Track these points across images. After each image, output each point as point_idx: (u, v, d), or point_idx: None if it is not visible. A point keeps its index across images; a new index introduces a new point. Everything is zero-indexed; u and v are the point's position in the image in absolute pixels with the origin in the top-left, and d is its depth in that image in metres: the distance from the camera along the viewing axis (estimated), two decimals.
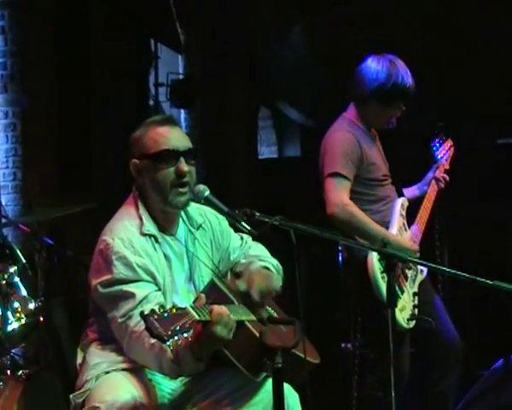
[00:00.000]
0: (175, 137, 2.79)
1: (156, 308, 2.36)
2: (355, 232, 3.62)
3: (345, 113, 3.85)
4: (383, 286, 3.51)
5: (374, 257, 3.57)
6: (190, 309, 2.39)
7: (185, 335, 2.40)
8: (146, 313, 2.34)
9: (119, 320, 2.65)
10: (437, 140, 4.14)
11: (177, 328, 2.33)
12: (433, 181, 4.01)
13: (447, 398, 3.83)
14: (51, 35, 5.99)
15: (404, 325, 3.60)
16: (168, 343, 2.37)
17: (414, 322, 3.62)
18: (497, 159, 6.25)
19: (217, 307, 2.50)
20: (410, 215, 3.88)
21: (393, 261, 2.74)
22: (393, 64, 3.71)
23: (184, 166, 2.76)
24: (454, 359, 3.78)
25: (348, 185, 3.67)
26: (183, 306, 2.40)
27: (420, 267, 3.78)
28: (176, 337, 2.35)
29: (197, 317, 2.40)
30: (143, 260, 2.71)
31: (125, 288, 2.66)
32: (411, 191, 4.02)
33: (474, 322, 5.56)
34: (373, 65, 3.73)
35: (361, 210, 3.69)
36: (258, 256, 3.00)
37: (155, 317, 2.32)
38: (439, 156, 4.11)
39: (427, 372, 3.78)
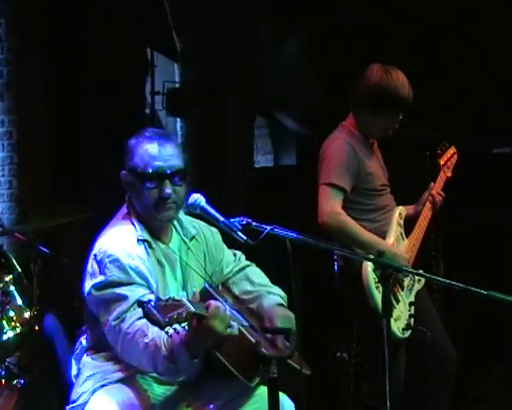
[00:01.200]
0: (163, 157, 2.79)
1: (153, 299, 2.39)
2: (347, 241, 3.63)
3: (344, 121, 3.85)
4: (378, 296, 3.53)
5: (368, 267, 3.58)
6: (186, 301, 2.43)
7: (182, 325, 2.42)
8: (143, 300, 2.36)
9: (112, 323, 2.66)
10: (438, 148, 4.12)
11: (175, 316, 2.38)
12: (429, 200, 3.97)
13: (439, 408, 3.84)
14: (47, 43, 5.99)
15: (399, 334, 3.60)
16: (166, 330, 2.38)
17: (409, 332, 3.62)
18: (492, 168, 6.26)
19: (214, 302, 2.52)
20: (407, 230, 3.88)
21: (388, 271, 2.75)
22: (388, 74, 3.71)
23: (168, 190, 2.77)
24: (448, 371, 3.79)
25: (342, 196, 3.67)
26: (178, 297, 2.43)
27: (417, 277, 3.78)
28: (173, 326, 2.38)
29: (193, 309, 2.42)
30: (136, 263, 2.73)
31: (118, 290, 2.68)
32: (406, 210, 3.98)
33: (469, 331, 5.55)
34: (368, 74, 3.74)
35: (359, 219, 3.70)
36: (265, 286, 3.01)
37: (152, 305, 2.37)
38: (442, 163, 4.08)
39: (421, 382, 3.79)
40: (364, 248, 3.60)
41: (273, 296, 2.96)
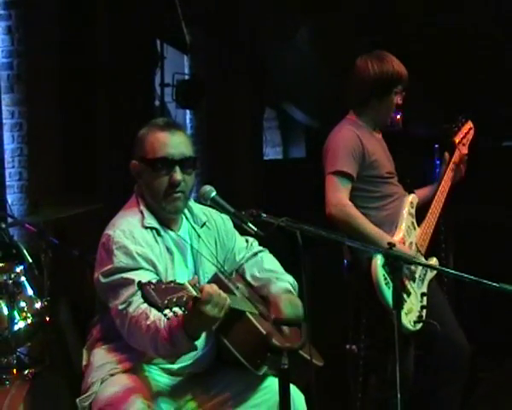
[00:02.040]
0: (173, 145, 2.80)
1: (154, 281, 2.39)
2: (352, 233, 3.64)
3: (348, 115, 3.88)
4: (387, 292, 3.54)
5: (378, 261, 3.58)
6: (188, 285, 2.42)
7: (182, 309, 2.41)
8: (143, 282, 2.36)
9: (120, 307, 2.67)
10: (454, 125, 4.03)
11: (174, 299, 2.36)
12: (449, 170, 3.94)
13: (452, 401, 3.83)
14: (57, 35, 6.00)
15: (411, 327, 3.60)
16: (164, 313, 2.38)
17: (421, 324, 3.62)
18: (502, 162, 6.26)
19: (207, 286, 2.50)
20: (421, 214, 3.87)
21: (399, 264, 2.75)
22: (384, 60, 3.77)
23: (178, 176, 2.78)
24: (461, 364, 3.78)
25: (349, 184, 3.68)
26: (181, 282, 2.43)
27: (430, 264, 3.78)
28: (172, 309, 2.37)
29: (195, 293, 2.41)
30: (144, 250, 2.74)
31: (125, 275, 2.69)
32: (422, 192, 3.98)
33: (479, 324, 5.55)
34: (365, 66, 3.77)
35: (367, 208, 3.71)
36: (275, 272, 3.01)
37: (152, 287, 2.36)
38: (457, 141, 4.00)
39: (434, 375, 3.78)
40: (368, 241, 3.61)
41: (282, 283, 2.96)
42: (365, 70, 3.78)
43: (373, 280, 3.58)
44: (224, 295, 2.53)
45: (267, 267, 3.02)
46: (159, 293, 2.35)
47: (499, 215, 6.18)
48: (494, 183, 5.97)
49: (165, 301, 2.34)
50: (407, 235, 3.75)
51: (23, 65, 5.73)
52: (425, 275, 3.75)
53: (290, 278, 3.01)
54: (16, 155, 5.78)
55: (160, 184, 2.79)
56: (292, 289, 2.97)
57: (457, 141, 4.01)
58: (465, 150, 4.03)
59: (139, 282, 2.40)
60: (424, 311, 3.67)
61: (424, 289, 3.73)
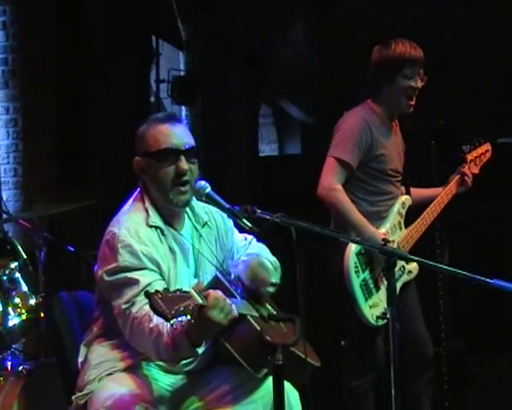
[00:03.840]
0: (176, 135, 2.80)
1: (161, 289, 2.39)
2: (338, 217, 3.67)
3: (369, 100, 3.83)
4: (355, 280, 3.61)
5: (352, 247, 3.61)
6: (194, 293, 2.41)
7: (188, 317, 2.41)
8: (150, 291, 2.36)
9: (123, 307, 2.66)
10: (469, 143, 4.03)
11: (181, 309, 2.36)
12: (454, 181, 3.95)
13: (422, 398, 3.85)
14: (52, 31, 5.99)
15: (372, 321, 3.62)
16: (171, 322, 2.38)
17: (384, 322, 3.61)
18: (497, 158, 6.25)
19: (213, 292, 2.49)
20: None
21: (393, 259, 2.74)
22: (400, 44, 3.74)
23: (184, 165, 2.78)
24: (423, 363, 3.81)
25: (347, 172, 3.68)
26: (186, 289, 2.42)
27: (408, 268, 3.78)
28: (179, 318, 2.37)
29: (201, 301, 2.41)
30: (149, 249, 2.73)
31: (130, 275, 2.67)
32: (419, 192, 3.97)
33: (474, 321, 5.56)
34: (382, 51, 3.77)
35: (360, 198, 3.71)
36: (258, 254, 3.00)
37: (159, 296, 2.35)
38: (469, 159, 3.99)
39: (402, 372, 3.80)
40: (352, 229, 3.63)
41: (261, 258, 2.92)
42: (371, 59, 3.78)
43: (344, 265, 3.61)
44: (229, 301, 2.52)
45: (252, 251, 2.99)
46: (166, 303, 2.34)
47: (495, 211, 6.19)
48: (489, 179, 5.97)
49: (173, 311, 2.34)
50: (390, 233, 3.74)
51: (18, 60, 5.73)
52: (400, 276, 3.75)
53: (272, 258, 3.00)
54: (11, 151, 5.78)
55: (166, 175, 2.78)
56: (268, 264, 2.92)
57: (469, 159, 4.01)
58: (476, 170, 4.04)
59: (146, 292, 2.39)
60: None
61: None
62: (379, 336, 3.72)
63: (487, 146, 4.11)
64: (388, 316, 3.53)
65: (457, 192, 3.97)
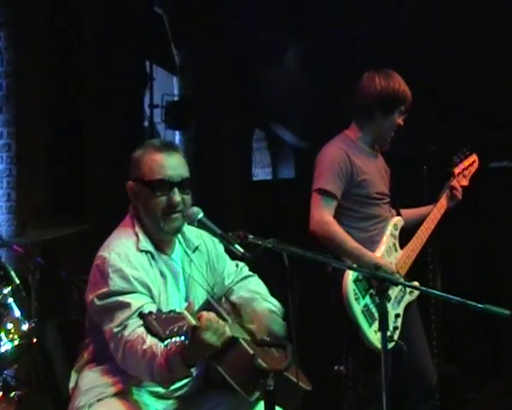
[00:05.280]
0: (171, 167, 2.81)
1: (154, 310, 2.39)
2: (334, 249, 3.67)
3: (346, 130, 3.88)
4: (356, 308, 3.60)
5: (349, 275, 3.61)
6: (187, 314, 2.42)
7: (182, 338, 2.42)
8: (145, 312, 2.36)
9: (115, 330, 2.65)
10: (457, 155, 4.04)
11: (175, 329, 2.37)
12: (444, 196, 3.97)
13: None
14: (46, 56, 6.01)
15: (379, 345, 3.60)
16: (165, 343, 2.38)
17: (390, 344, 3.60)
18: (489, 183, 6.28)
19: (205, 314, 2.50)
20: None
21: (385, 285, 2.75)
22: (391, 77, 3.80)
23: (177, 197, 2.78)
24: (427, 390, 3.79)
25: (333, 202, 3.71)
26: (180, 311, 2.43)
27: (409, 288, 3.77)
28: (173, 339, 2.37)
29: (194, 322, 2.41)
30: (139, 273, 2.73)
31: (121, 298, 2.67)
32: (413, 213, 3.98)
33: (466, 345, 5.55)
34: (371, 81, 3.79)
35: (350, 227, 3.72)
36: (261, 294, 3.00)
37: (153, 317, 2.37)
38: (457, 172, 4.00)
39: (402, 397, 3.78)
40: (350, 258, 3.64)
41: (267, 303, 2.95)
42: (372, 84, 3.79)
43: (343, 294, 3.61)
44: (222, 322, 2.53)
45: (253, 288, 3.02)
46: (160, 324, 2.35)
47: (487, 236, 6.20)
48: (481, 203, 6.00)
49: (167, 332, 2.35)
50: (386, 255, 3.75)
51: (12, 85, 5.74)
52: (402, 297, 3.75)
53: (275, 301, 3.01)
54: (5, 176, 5.78)
55: (157, 205, 2.78)
56: (277, 311, 2.96)
57: (457, 172, 4.02)
58: (465, 182, 4.04)
59: (140, 313, 2.40)
60: (396, 332, 3.67)
61: (399, 311, 3.72)
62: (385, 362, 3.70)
63: (474, 157, 4.12)
64: (395, 338, 3.58)
65: (449, 207, 3.98)
